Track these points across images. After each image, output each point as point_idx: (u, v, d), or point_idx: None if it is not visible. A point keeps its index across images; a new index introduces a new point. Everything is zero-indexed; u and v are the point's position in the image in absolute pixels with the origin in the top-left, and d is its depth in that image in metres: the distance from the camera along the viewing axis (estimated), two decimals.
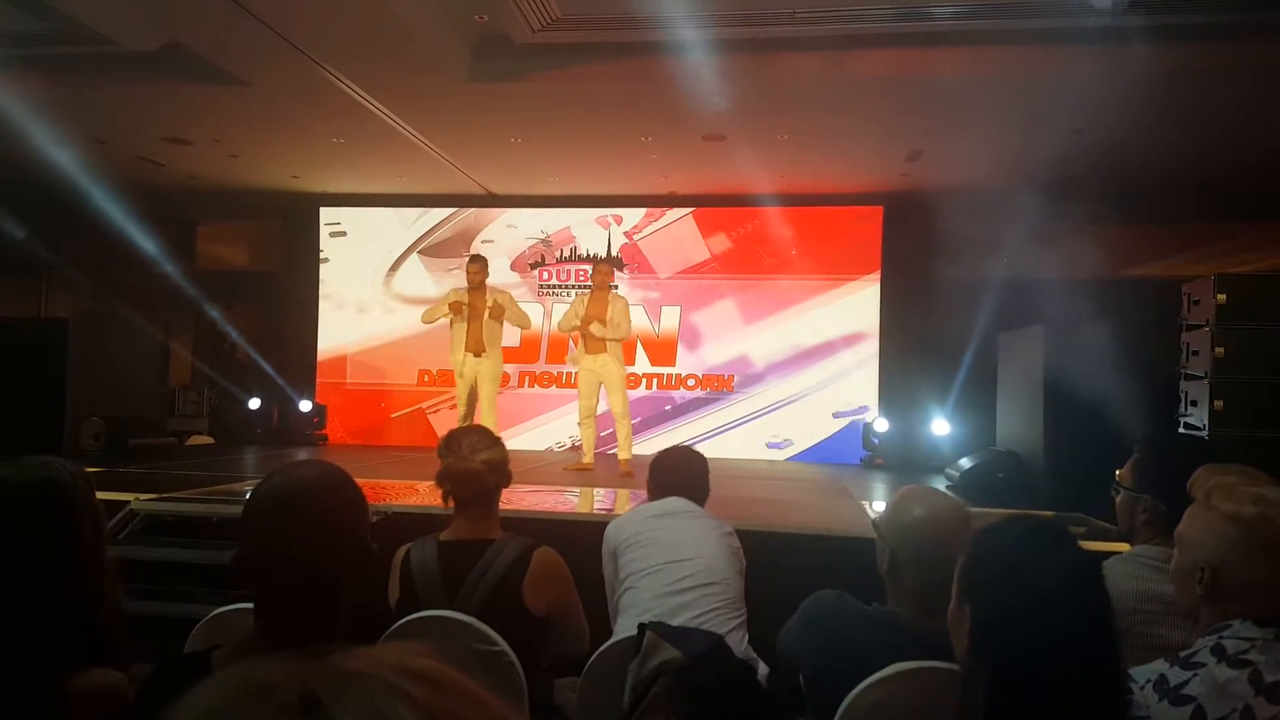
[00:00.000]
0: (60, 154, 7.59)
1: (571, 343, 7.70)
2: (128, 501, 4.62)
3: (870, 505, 5.56)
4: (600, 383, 6.87)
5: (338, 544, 1.36)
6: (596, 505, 5.28)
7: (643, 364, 9.41)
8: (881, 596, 1.90)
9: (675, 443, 3.38)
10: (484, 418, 6.76)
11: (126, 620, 1.55)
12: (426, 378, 9.68)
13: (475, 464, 2.34)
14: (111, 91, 6.72)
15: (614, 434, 6.97)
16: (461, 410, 6.90)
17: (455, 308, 6.73)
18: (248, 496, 1.40)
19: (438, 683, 0.46)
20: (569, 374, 9.32)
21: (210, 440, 9.18)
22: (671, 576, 2.57)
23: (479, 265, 6.93)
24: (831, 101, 6.49)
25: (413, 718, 0.44)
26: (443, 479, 2.37)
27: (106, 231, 8.71)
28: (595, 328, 6.71)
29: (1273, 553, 1.47)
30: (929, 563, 1.76)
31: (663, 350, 9.45)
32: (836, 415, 9.11)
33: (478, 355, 6.78)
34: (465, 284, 6.92)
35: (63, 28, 5.71)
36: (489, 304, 6.82)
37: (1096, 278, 8.59)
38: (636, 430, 9.42)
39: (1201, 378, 5.17)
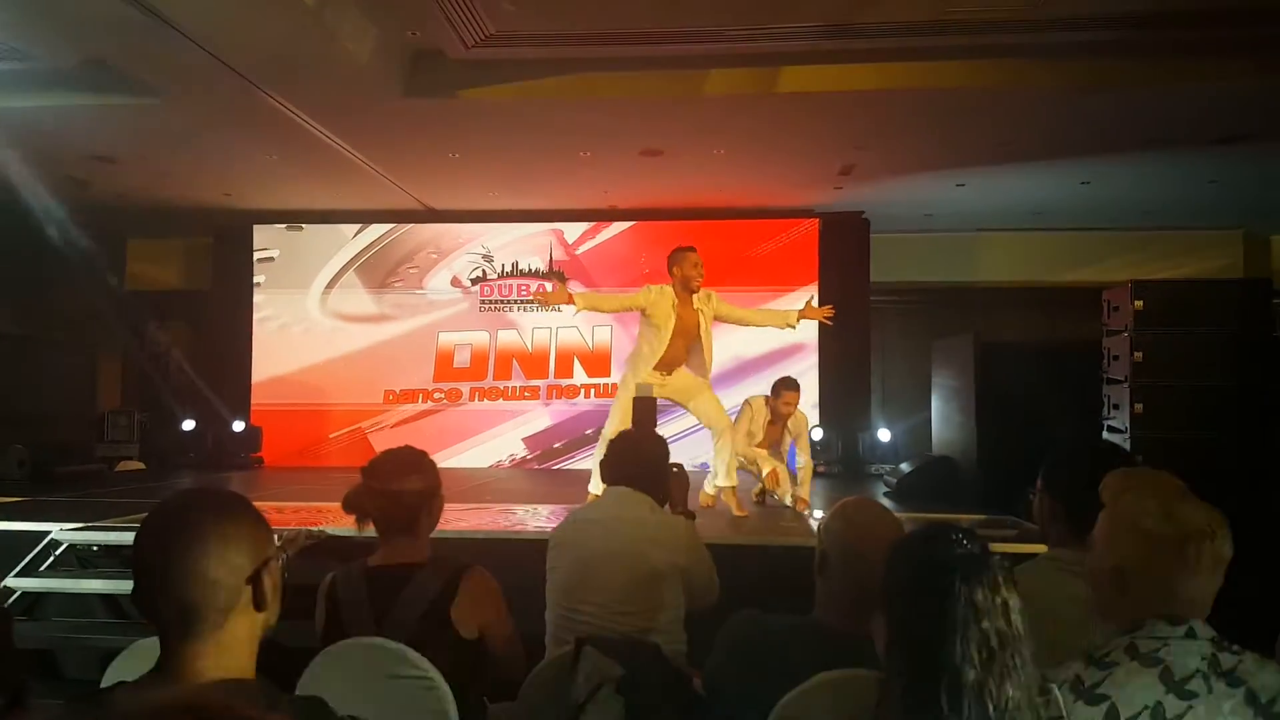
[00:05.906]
0: None
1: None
2: (49, 531, 4.48)
3: (810, 514, 5.61)
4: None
5: (214, 569, 1.33)
6: (536, 524, 5.24)
7: (580, 376, 9.43)
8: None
9: None
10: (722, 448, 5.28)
11: (20, 655, 1.50)
12: (390, 396, 9.54)
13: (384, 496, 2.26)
14: (33, 107, 6.53)
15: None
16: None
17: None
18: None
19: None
20: (514, 388, 9.31)
21: (141, 466, 8.87)
22: (568, 597, 2.52)
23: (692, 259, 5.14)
24: (764, 117, 6.56)
25: None
26: (345, 506, 2.28)
27: (30, 250, 8.44)
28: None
29: (1175, 554, 1.50)
30: (851, 570, 1.84)
31: (597, 363, 9.47)
32: None
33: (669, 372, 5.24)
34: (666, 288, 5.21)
35: None
36: (699, 318, 5.22)
37: (1025, 285, 8.84)
38: (576, 446, 9.34)
39: (1122, 381, 5.32)
